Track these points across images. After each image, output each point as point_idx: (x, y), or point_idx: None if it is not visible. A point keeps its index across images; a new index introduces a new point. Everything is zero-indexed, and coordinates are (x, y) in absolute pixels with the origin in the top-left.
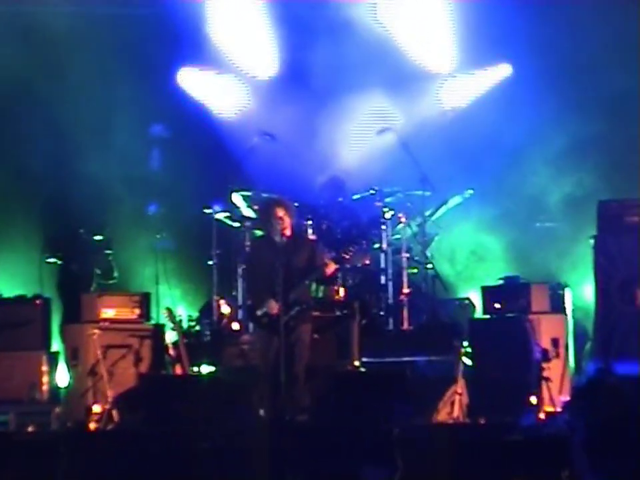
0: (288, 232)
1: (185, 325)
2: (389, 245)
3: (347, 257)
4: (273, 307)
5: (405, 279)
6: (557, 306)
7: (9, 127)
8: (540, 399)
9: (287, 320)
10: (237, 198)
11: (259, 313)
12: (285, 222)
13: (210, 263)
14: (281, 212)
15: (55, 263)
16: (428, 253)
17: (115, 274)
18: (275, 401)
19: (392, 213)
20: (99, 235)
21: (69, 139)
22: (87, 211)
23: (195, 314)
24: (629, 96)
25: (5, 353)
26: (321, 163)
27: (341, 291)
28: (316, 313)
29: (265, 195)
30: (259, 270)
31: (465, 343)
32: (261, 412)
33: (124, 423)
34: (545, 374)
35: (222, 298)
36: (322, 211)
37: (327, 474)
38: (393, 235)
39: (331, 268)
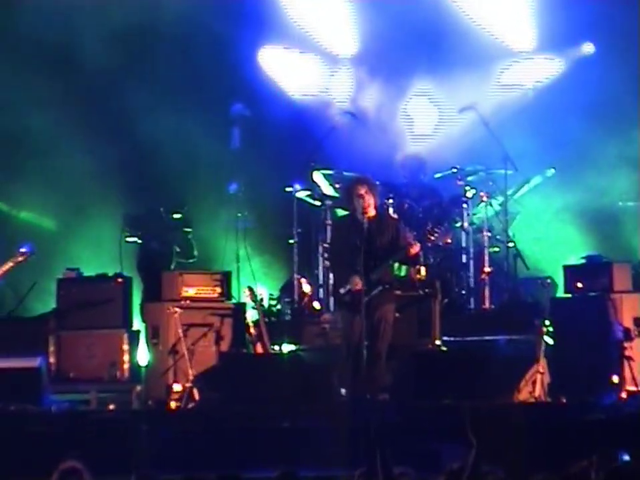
0: (372, 211)
1: (265, 303)
2: (470, 223)
3: (433, 238)
4: (357, 282)
5: (487, 258)
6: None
7: (95, 104)
8: (622, 378)
9: (369, 299)
10: (318, 176)
11: (341, 291)
12: (367, 200)
13: (291, 241)
14: (362, 190)
15: (135, 241)
16: (509, 232)
17: (195, 252)
18: (355, 381)
19: (473, 191)
20: (178, 213)
21: (149, 118)
22: (167, 190)
23: (276, 293)
24: None
25: (86, 331)
26: (402, 142)
27: (422, 270)
28: (397, 292)
29: (346, 174)
30: (342, 249)
31: (547, 322)
32: (342, 391)
33: (204, 402)
34: (627, 353)
35: (303, 277)
36: (403, 189)
37: (407, 452)
38: (474, 214)
39: (415, 248)
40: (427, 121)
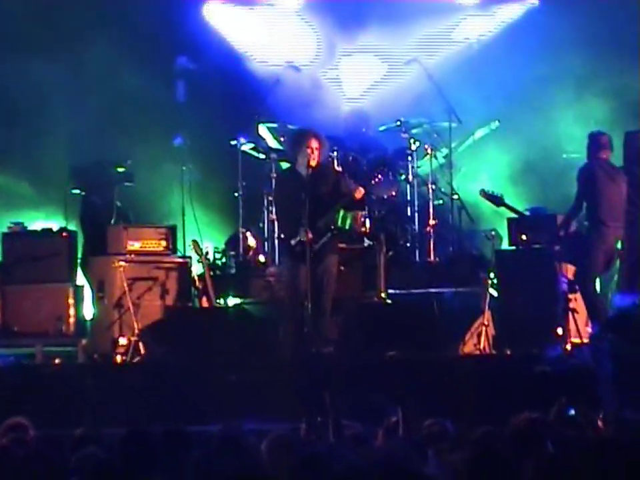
0: (314, 163)
1: (211, 257)
2: (415, 176)
3: (374, 182)
4: (307, 233)
5: (431, 211)
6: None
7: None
8: (566, 330)
9: (318, 248)
10: (263, 130)
11: (292, 242)
12: (315, 153)
13: (236, 194)
14: (315, 143)
15: (79, 194)
16: (454, 185)
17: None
18: (300, 333)
19: (418, 144)
20: (122, 167)
21: (90, 73)
22: (112, 143)
23: (221, 246)
24: None
25: (31, 285)
26: (346, 95)
27: (367, 223)
28: (342, 245)
29: (290, 127)
30: (287, 202)
31: (491, 275)
32: (287, 344)
33: (150, 355)
34: (571, 305)
35: (248, 230)
36: (347, 143)
37: (352, 406)
38: (418, 167)
39: (360, 192)
40: (371, 75)
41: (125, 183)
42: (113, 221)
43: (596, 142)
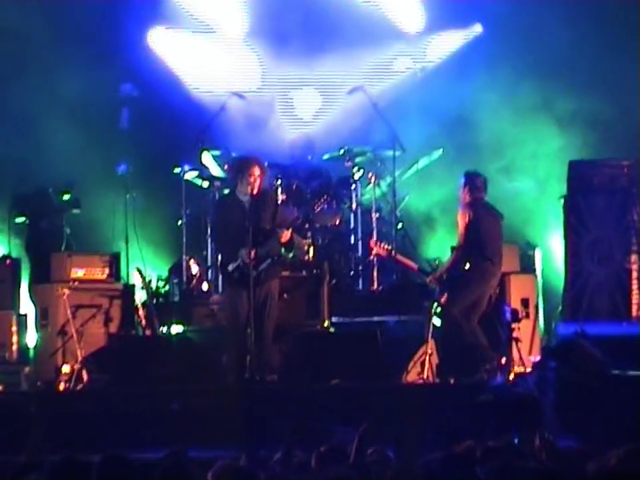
0: (255, 190)
1: (154, 285)
2: (358, 204)
3: (317, 209)
4: (245, 254)
5: (375, 239)
6: (527, 266)
7: None
8: (510, 359)
9: (258, 273)
10: (206, 157)
11: (230, 267)
12: (257, 181)
13: (179, 222)
14: (257, 171)
15: (24, 222)
16: (398, 213)
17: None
18: (244, 361)
19: (362, 172)
20: (67, 193)
21: (36, 100)
22: (55, 171)
23: (165, 274)
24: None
25: None
26: (290, 122)
27: (311, 251)
28: (285, 273)
29: (235, 154)
30: (228, 227)
31: (435, 304)
32: (231, 372)
33: (93, 383)
34: (515, 334)
35: (191, 258)
36: (291, 170)
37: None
38: (363, 195)
39: (285, 237)
40: (315, 102)
41: (73, 210)
42: (63, 248)
43: (472, 183)
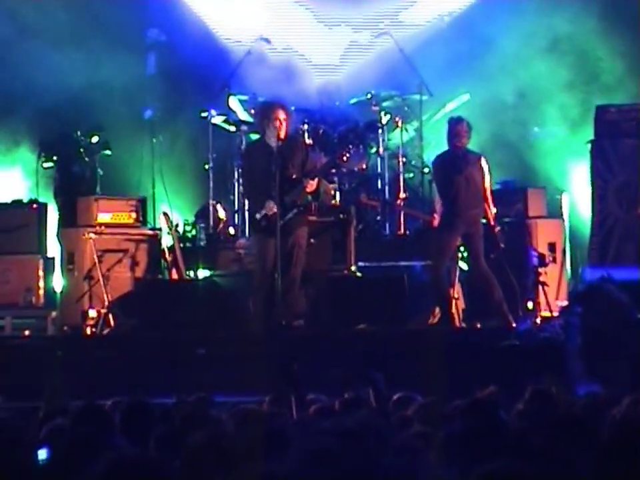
0: (282, 135)
1: (180, 229)
2: (385, 149)
3: (344, 159)
4: (272, 207)
5: (402, 184)
6: (554, 211)
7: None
8: (536, 303)
9: (284, 223)
10: (233, 102)
11: (257, 216)
12: (284, 125)
13: (206, 167)
14: (282, 115)
15: (52, 167)
16: (424, 158)
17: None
18: (271, 306)
19: (389, 117)
20: (96, 136)
21: (62, 44)
22: (82, 115)
23: (191, 218)
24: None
25: (0, 256)
26: (318, 67)
27: (337, 196)
28: (312, 218)
29: (262, 99)
30: (255, 174)
31: (461, 248)
32: (257, 317)
33: (120, 327)
34: (542, 279)
35: (218, 202)
36: (318, 115)
37: (323, 378)
38: (389, 140)
39: (312, 186)
40: (343, 47)
41: (104, 152)
42: (97, 189)
43: (451, 130)
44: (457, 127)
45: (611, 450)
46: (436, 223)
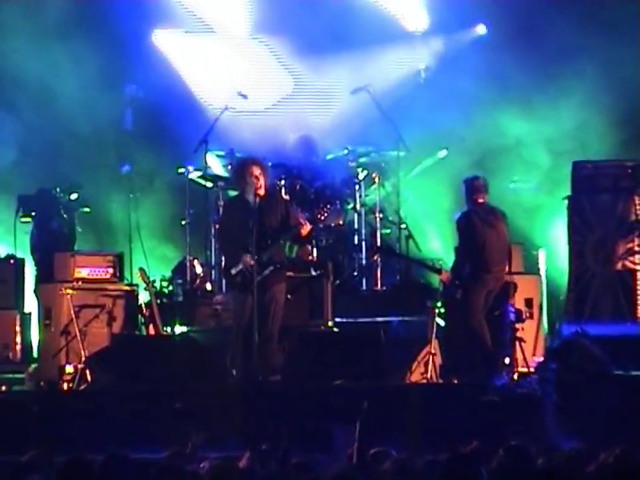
0: (262, 191)
1: (157, 285)
2: (362, 205)
3: (322, 217)
4: (248, 261)
5: (378, 240)
6: (531, 267)
7: None
8: (514, 359)
9: (260, 279)
10: (210, 158)
11: (233, 271)
12: (260, 181)
13: (183, 222)
14: (257, 171)
15: (29, 222)
16: (401, 214)
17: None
18: (247, 362)
19: (365, 172)
20: (75, 193)
21: (43, 99)
22: (61, 172)
23: (168, 274)
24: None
25: None
26: (295, 122)
27: (314, 252)
28: (289, 273)
29: (239, 155)
30: (232, 230)
31: (438, 304)
32: (234, 372)
33: (96, 383)
34: (519, 334)
35: (195, 258)
36: (295, 170)
37: (299, 433)
38: (366, 195)
39: (307, 228)
40: (321, 101)
41: (83, 209)
42: (75, 247)
43: (470, 187)
44: (475, 183)
45: None
46: (446, 278)
